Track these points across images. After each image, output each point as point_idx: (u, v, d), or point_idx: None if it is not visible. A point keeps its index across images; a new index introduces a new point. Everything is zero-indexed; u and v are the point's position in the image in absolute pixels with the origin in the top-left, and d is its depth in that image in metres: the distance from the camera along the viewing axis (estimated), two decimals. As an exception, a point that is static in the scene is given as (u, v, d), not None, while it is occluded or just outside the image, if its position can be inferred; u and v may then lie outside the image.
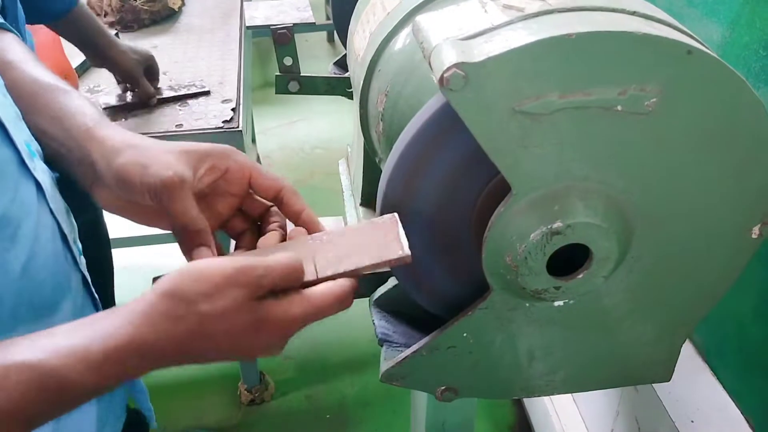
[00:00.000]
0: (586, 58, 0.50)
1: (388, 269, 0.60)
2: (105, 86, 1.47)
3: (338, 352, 1.94)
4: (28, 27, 1.20)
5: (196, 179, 0.58)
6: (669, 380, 0.72)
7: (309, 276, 0.54)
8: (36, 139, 0.61)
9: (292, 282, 0.52)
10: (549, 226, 0.56)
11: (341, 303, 0.53)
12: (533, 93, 0.51)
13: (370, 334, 0.73)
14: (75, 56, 1.49)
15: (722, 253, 0.63)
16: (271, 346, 0.52)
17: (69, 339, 0.47)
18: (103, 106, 1.36)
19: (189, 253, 0.58)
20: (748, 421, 0.88)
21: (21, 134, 0.58)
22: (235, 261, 0.50)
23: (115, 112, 1.37)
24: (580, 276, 0.59)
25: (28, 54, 0.67)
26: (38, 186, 0.58)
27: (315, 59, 3.58)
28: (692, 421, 0.91)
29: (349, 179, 1.02)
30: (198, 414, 1.78)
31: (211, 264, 0.50)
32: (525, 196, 0.56)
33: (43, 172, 0.60)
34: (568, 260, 0.59)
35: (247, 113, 1.47)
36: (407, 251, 0.55)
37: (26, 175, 0.57)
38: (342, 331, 1.98)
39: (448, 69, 0.49)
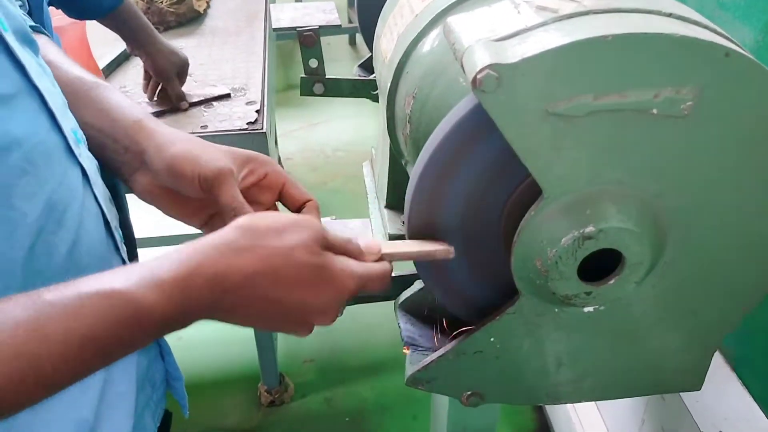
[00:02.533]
0: (621, 60, 0.49)
1: (428, 262, 0.63)
2: (131, 87, 1.49)
3: (358, 356, 1.93)
4: (56, 27, 1.22)
5: (239, 178, 0.62)
6: (699, 389, 0.71)
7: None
8: (104, 142, 0.64)
9: (351, 250, 0.55)
10: (581, 231, 0.55)
11: (385, 280, 0.56)
12: (567, 95, 0.50)
13: (390, 338, 0.73)
14: (102, 57, 1.51)
15: (756, 262, 0.61)
16: (325, 306, 0.52)
17: (140, 269, 0.48)
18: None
19: None
20: (778, 433, 0.86)
21: (68, 122, 0.60)
22: None
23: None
24: (612, 281, 0.58)
25: (64, 55, 0.71)
26: (83, 172, 0.60)
27: (337, 62, 3.60)
28: (720, 431, 0.90)
29: (374, 181, 1.02)
30: (218, 415, 1.79)
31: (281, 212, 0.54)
32: (556, 199, 0.55)
33: (88, 159, 0.62)
34: (599, 266, 0.59)
35: (271, 115, 1.47)
36: (451, 246, 0.60)
37: (73, 161, 0.58)
38: (362, 335, 1.98)
39: (481, 70, 0.48)
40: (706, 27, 0.54)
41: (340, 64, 3.58)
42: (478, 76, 0.48)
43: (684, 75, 0.50)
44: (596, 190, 0.55)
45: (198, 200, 0.62)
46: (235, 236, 0.50)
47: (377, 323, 1.93)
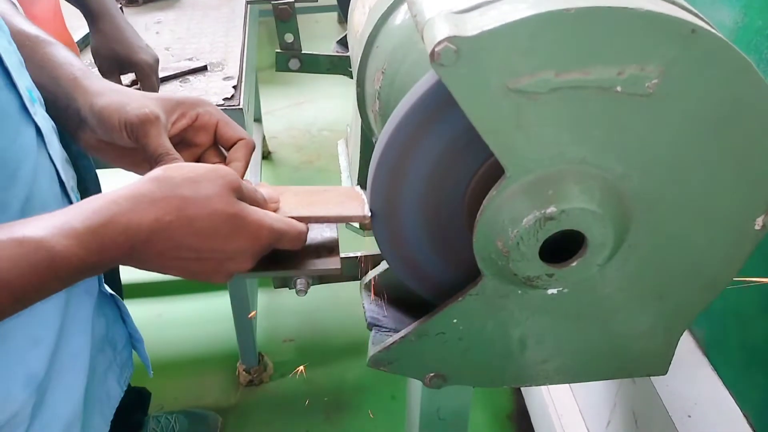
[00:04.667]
0: (584, 34, 0.48)
1: (391, 242, 0.63)
2: (107, 61, 1.45)
3: (338, 335, 1.93)
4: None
5: (169, 124, 0.62)
6: (665, 373, 0.70)
7: (279, 213, 0.59)
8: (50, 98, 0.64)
9: (257, 199, 0.57)
10: (542, 211, 0.53)
11: (299, 239, 0.58)
12: (528, 70, 0.49)
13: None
14: (77, 30, 1.48)
15: (723, 244, 0.60)
16: (241, 251, 0.54)
17: (56, 218, 0.48)
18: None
19: None
20: (746, 417, 0.86)
21: (23, 80, 0.59)
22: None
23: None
24: (574, 263, 0.57)
25: (12, 8, 0.70)
26: (38, 131, 0.60)
27: (324, 39, 3.54)
28: (689, 416, 0.90)
29: (348, 160, 1.00)
30: (196, 394, 1.78)
31: (198, 162, 0.57)
32: (519, 179, 0.54)
33: (43, 119, 0.61)
34: (563, 247, 0.57)
35: (249, 91, 1.45)
36: (368, 212, 0.60)
37: (27, 119, 0.58)
38: (342, 314, 1.97)
39: (440, 43, 0.46)
40: (674, 3, 0.52)
41: (329, 41, 3.52)
42: (436, 49, 0.47)
43: (649, 52, 0.49)
44: (559, 170, 0.54)
45: (138, 150, 0.62)
46: (149, 187, 0.51)
47: (357, 302, 1.91)
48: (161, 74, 1.38)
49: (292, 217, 0.59)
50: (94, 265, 0.49)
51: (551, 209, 0.53)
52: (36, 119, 0.59)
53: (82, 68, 0.64)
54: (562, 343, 0.66)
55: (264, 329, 1.91)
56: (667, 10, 0.49)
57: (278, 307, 1.99)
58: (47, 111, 0.64)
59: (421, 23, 0.51)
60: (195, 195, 0.51)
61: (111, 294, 0.71)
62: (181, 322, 1.92)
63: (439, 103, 0.55)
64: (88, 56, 1.47)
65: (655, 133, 0.53)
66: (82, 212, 0.49)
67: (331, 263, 0.61)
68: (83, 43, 1.50)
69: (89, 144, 0.64)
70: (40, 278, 0.46)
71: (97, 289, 0.68)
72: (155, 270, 0.53)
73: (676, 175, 0.55)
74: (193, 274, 0.54)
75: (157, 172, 0.52)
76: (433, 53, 0.47)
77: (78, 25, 1.52)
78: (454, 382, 0.67)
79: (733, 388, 0.89)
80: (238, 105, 1.30)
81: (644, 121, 0.52)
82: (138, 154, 0.62)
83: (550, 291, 0.61)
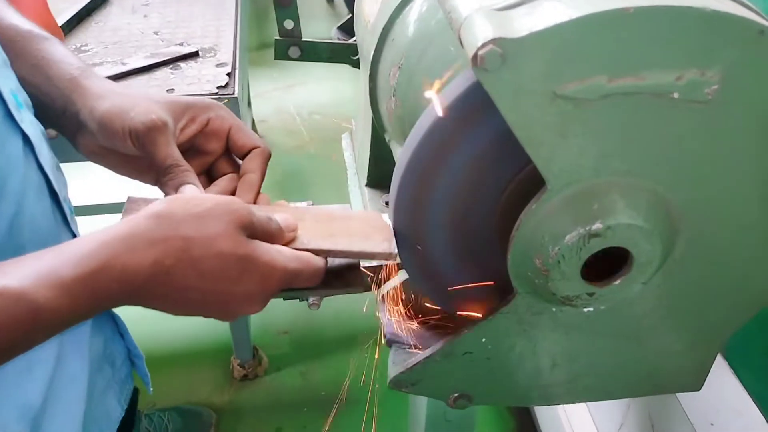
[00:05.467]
0: (643, 36, 0.43)
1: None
2: (93, 46, 1.39)
3: (334, 327, 1.88)
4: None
5: (177, 130, 0.57)
6: (699, 389, 0.67)
7: (297, 243, 0.54)
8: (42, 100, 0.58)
9: (272, 232, 0.51)
10: (587, 228, 0.49)
11: (316, 276, 0.53)
12: (579, 75, 0.44)
13: (367, 311, 0.69)
14: (61, 12, 1.41)
15: (772, 258, 0.56)
16: (250, 295, 0.49)
17: (40, 262, 0.43)
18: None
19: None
20: (770, 425, 0.83)
21: (8, 83, 0.54)
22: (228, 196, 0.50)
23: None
24: (617, 282, 0.52)
25: (4, 2, 0.63)
26: (26, 139, 0.54)
27: (314, 19, 3.46)
28: (712, 424, 0.87)
29: (353, 156, 0.95)
30: (190, 389, 1.73)
31: (204, 193, 0.51)
32: (560, 192, 0.49)
33: (31, 125, 0.56)
34: (598, 262, 0.53)
35: (243, 78, 1.39)
36: (395, 249, 0.55)
37: (13, 127, 0.53)
38: (337, 305, 1.92)
39: (484, 45, 0.41)
40: (737, 1, 0.47)
41: (318, 22, 3.44)
42: (480, 53, 0.41)
43: (712, 55, 0.44)
44: (604, 182, 0.49)
45: (144, 159, 0.57)
46: (148, 225, 0.45)
47: (353, 294, 1.88)
48: (150, 61, 1.32)
49: (310, 250, 0.54)
50: (86, 313, 0.44)
51: (597, 225, 0.49)
52: (23, 126, 0.53)
53: (81, 66, 0.59)
54: (594, 361, 0.62)
55: (258, 321, 1.86)
56: (732, 9, 0.44)
57: (272, 298, 1.95)
58: (40, 114, 0.58)
59: (457, 21, 0.45)
60: (199, 235, 0.46)
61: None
62: (172, 316, 1.86)
63: (472, 110, 0.50)
64: (72, 42, 1.40)
65: (711, 141, 0.48)
66: (71, 257, 0.43)
67: (355, 283, 0.57)
68: (67, 28, 1.43)
69: (89, 150, 0.58)
70: (24, 331, 0.42)
71: None
72: (160, 310, 0.48)
73: (729, 187, 0.51)
74: (199, 314, 0.50)
75: (157, 206, 0.47)
76: (476, 57, 0.42)
77: (63, 8, 1.45)
78: (479, 402, 0.63)
79: (755, 395, 0.86)
80: (233, 94, 1.24)
81: (700, 130, 0.47)
82: (143, 162, 0.57)
83: (587, 309, 0.57)
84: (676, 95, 0.45)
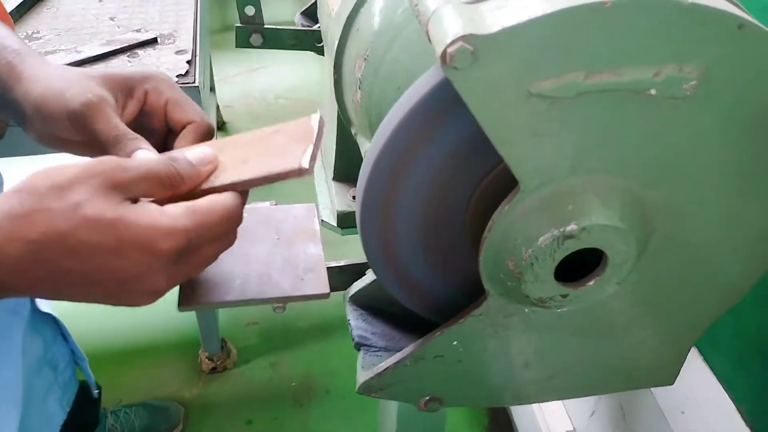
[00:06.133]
0: (619, 31, 0.41)
1: (380, 252, 0.53)
2: (45, 33, 1.32)
3: (304, 318, 1.86)
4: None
5: (119, 108, 0.52)
6: (672, 384, 0.66)
7: (206, 182, 0.47)
8: None
9: (162, 187, 0.44)
10: (561, 229, 0.47)
11: (232, 219, 0.45)
12: (554, 73, 0.42)
13: (337, 300, 0.66)
14: (7, -2, 1.34)
15: (747, 255, 0.55)
16: (140, 265, 0.42)
17: None
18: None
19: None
20: (740, 412, 0.84)
21: None
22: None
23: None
24: (591, 283, 0.51)
25: None
26: None
27: (280, 3, 3.38)
28: (683, 412, 0.87)
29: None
30: (157, 384, 1.69)
31: (71, 163, 0.42)
32: (534, 192, 0.47)
33: None
34: (570, 261, 0.52)
35: (204, 65, 1.34)
36: (305, 164, 0.46)
37: None
38: (307, 295, 1.91)
39: (453, 42, 0.39)
40: (717, -7, 0.46)
41: (279, 5, 3.36)
42: (449, 50, 0.39)
43: (690, 50, 0.42)
44: (579, 182, 0.47)
45: (92, 140, 0.52)
46: (9, 204, 0.40)
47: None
48: (106, 48, 1.26)
49: (216, 188, 0.46)
50: None
51: (572, 227, 0.47)
52: None
53: (17, 49, 0.54)
54: (567, 359, 0.61)
55: (226, 313, 1.83)
56: (712, 2, 0.42)
57: (240, 288, 1.91)
58: None
59: (424, 15, 0.43)
60: (62, 205, 0.40)
61: (47, 312, 0.62)
62: (137, 308, 1.82)
63: (441, 108, 0.47)
64: (23, 29, 1.34)
65: (689, 138, 0.47)
66: None
67: (318, 287, 0.54)
68: (17, 14, 1.36)
69: (40, 138, 0.54)
70: None
71: (28, 308, 0.60)
72: (48, 298, 0.43)
73: (707, 183, 0.50)
74: (105, 301, 0.44)
75: (18, 184, 0.41)
76: (445, 55, 0.39)
77: (10, -9, 1.38)
78: (450, 404, 0.62)
79: (726, 383, 0.86)
80: (194, 83, 1.20)
81: (678, 127, 0.46)
82: (93, 145, 0.52)
83: (561, 310, 0.55)
84: (653, 92, 0.44)
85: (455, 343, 0.57)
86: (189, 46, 1.29)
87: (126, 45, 1.27)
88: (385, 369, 0.58)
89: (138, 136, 0.51)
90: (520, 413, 1.33)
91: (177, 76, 1.20)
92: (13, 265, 0.39)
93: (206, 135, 0.53)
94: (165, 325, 1.83)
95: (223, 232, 0.45)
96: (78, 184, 0.41)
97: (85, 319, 1.76)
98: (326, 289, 0.53)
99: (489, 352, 0.58)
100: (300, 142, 0.48)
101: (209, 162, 0.47)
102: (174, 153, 0.46)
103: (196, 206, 0.44)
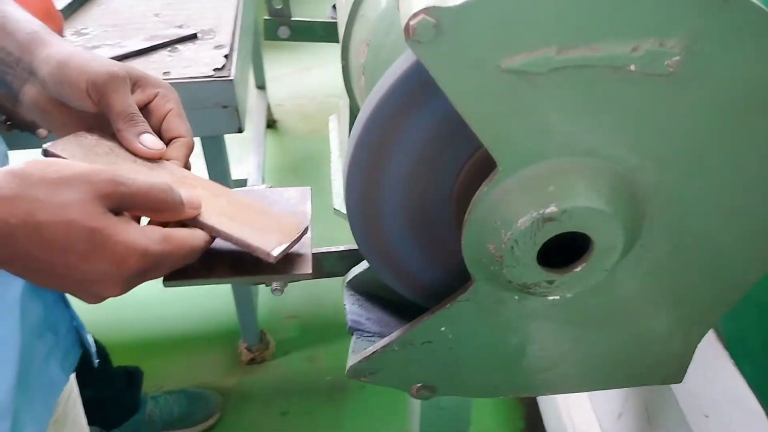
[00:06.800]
0: (591, 3, 0.39)
1: (369, 236, 0.55)
2: (93, 29, 1.38)
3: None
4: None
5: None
6: (680, 381, 0.63)
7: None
8: None
9: (150, 210, 0.48)
10: (541, 211, 0.46)
11: (188, 256, 0.49)
12: (525, 47, 0.41)
13: None
14: (60, -4, 1.40)
15: (751, 241, 0.52)
16: (103, 275, 0.45)
17: None
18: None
19: (132, 144, 0.55)
20: (769, 418, 0.79)
21: None
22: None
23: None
24: (578, 269, 0.49)
25: None
26: None
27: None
28: (707, 416, 0.83)
29: (339, 137, 0.92)
30: (197, 372, 1.74)
31: (74, 162, 0.46)
32: (513, 173, 0.46)
33: None
34: (565, 245, 0.50)
35: (243, 60, 1.37)
36: (274, 254, 0.51)
37: None
38: (347, 290, 1.92)
39: (415, 15, 0.38)
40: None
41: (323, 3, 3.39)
42: (411, 23, 0.39)
43: (670, 24, 0.40)
44: (561, 162, 0.46)
45: (91, 116, 0.56)
46: (2, 182, 0.43)
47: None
48: (148, 44, 1.31)
49: (199, 223, 0.51)
50: None
51: (551, 209, 0.46)
52: None
53: (43, 26, 0.58)
54: (566, 350, 0.59)
55: (266, 305, 1.86)
56: (693, -29, 0.40)
57: (281, 282, 1.94)
58: None
59: (398, -10, 0.42)
60: (49, 200, 0.42)
61: None
62: (180, 298, 1.87)
63: (421, 86, 0.47)
64: (72, 25, 1.40)
65: (676, 118, 0.45)
66: None
67: (301, 267, 0.54)
68: (69, 11, 1.42)
69: (33, 100, 0.57)
70: None
71: None
72: (14, 274, 0.45)
73: (698, 166, 0.47)
74: (57, 288, 0.47)
75: (17, 165, 0.44)
76: (407, 28, 0.39)
77: (63, -9, 1.44)
78: (444, 393, 0.61)
79: (755, 386, 0.82)
80: (229, 76, 1.22)
81: (663, 105, 0.44)
82: (88, 122, 0.56)
83: (551, 298, 0.54)
84: (633, 67, 0.42)
85: (443, 329, 0.56)
86: (227, 40, 1.32)
87: (167, 40, 1.31)
88: (372, 353, 0.57)
89: (145, 122, 0.55)
90: (548, 414, 1.30)
91: (213, 70, 1.23)
92: None
93: (191, 150, 0.58)
94: (207, 315, 1.88)
95: (184, 261, 0.49)
96: (71, 185, 0.44)
97: (132, 308, 1.83)
98: (309, 270, 0.53)
99: (480, 339, 0.57)
100: (283, 234, 0.53)
101: (195, 208, 0.51)
102: (172, 186, 0.49)
103: (172, 236, 0.47)
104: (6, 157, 0.62)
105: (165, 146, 0.56)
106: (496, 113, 0.43)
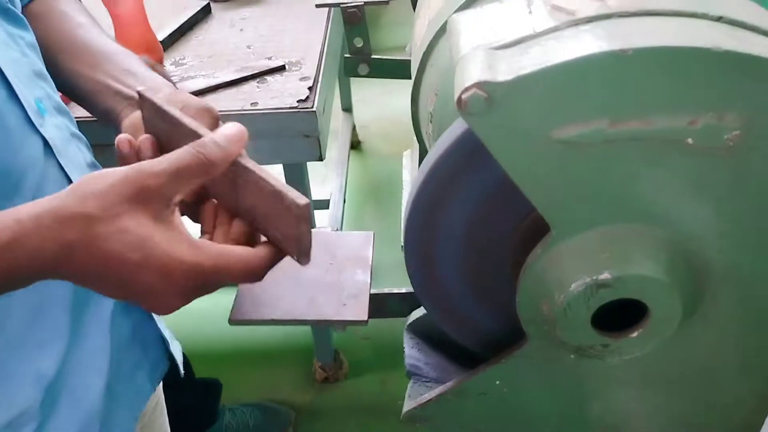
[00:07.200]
0: (645, 79, 0.39)
1: (427, 285, 0.55)
2: (189, 60, 1.47)
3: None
4: None
5: None
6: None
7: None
8: (96, 88, 0.64)
9: (195, 178, 0.46)
10: (594, 277, 0.46)
11: (253, 277, 0.47)
12: (577, 119, 0.41)
13: None
14: (160, 29, 1.50)
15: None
16: (155, 289, 0.44)
17: None
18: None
19: None
20: None
21: (32, 91, 0.59)
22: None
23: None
24: (635, 334, 0.49)
25: (91, 17, 0.73)
26: (46, 142, 0.59)
27: (395, 26, 3.42)
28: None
29: (411, 175, 0.94)
30: (273, 387, 1.79)
31: (112, 169, 0.45)
32: (566, 237, 0.46)
33: (55, 128, 0.61)
34: (627, 305, 0.50)
35: (327, 91, 1.41)
36: (301, 204, 0.44)
37: (32, 131, 0.58)
38: (422, 315, 1.93)
39: (467, 89, 0.40)
40: (756, 30, 0.42)
41: (400, 28, 3.41)
42: (463, 97, 0.40)
43: (728, 98, 0.40)
44: (617, 229, 0.46)
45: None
46: (61, 202, 0.44)
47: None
48: (239, 75, 1.38)
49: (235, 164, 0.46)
50: (3, 287, 0.44)
51: (605, 275, 0.46)
52: (42, 131, 0.58)
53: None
54: (623, 410, 0.58)
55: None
56: (756, 45, 0.40)
57: (358, 303, 1.97)
58: (94, 100, 0.64)
59: (455, 59, 0.44)
60: (101, 213, 0.43)
61: None
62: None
63: (474, 150, 0.48)
64: (171, 56, 1.50)
65: (737, 191, 0.44)
66: None
67: (357, 314, 0.56)
68: (169, 42, 1.52)
69: (131, 128, 0.61)
70: None
71: None
72: (85, 287, 0.47)
73: (761, 237, 0.46)
74: (124, 299, 0.48)
75: (74, 183, 0.45)
76: (460, 100, 0.40)
77: (166, 22, 1.54)
78: (498, 444, 0.61)
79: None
80: (312, 107, 1.27)
81: (723, 177, 0.43)
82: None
83: (609, 360, 0.53)
84: (690, 141, 0.42)
85: (498, 382, 0.56)
86: (313, 73, 1.37)
87: (257, 72, 1.38)
88: (428, 400, 0.58)
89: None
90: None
91: (297, 101, 1.28)
92: (54, 259, 0.44)
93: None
94: (284, 332, 1.93)
95: (244, 278, 0.47)
96: (115, 193, 0.44)
97: (211, 320, 1.91)
98: (365, 317, 0.55)
99: (535, 394, 0.57)
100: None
101: (240, 139, 0.47)
102: (201, 140, 0.47)
103: (228, 254, 0.46)
104: (94, 166, 0.67)
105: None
106: (548, 180, 0.44)
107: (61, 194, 0.45)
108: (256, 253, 0.47)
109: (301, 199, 0.43)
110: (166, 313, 0.47)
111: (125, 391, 0.70)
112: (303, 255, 0.45)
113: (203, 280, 0.46)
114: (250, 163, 0.46)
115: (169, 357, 0.78)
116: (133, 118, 0.61)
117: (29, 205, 0.45)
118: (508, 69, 0.40)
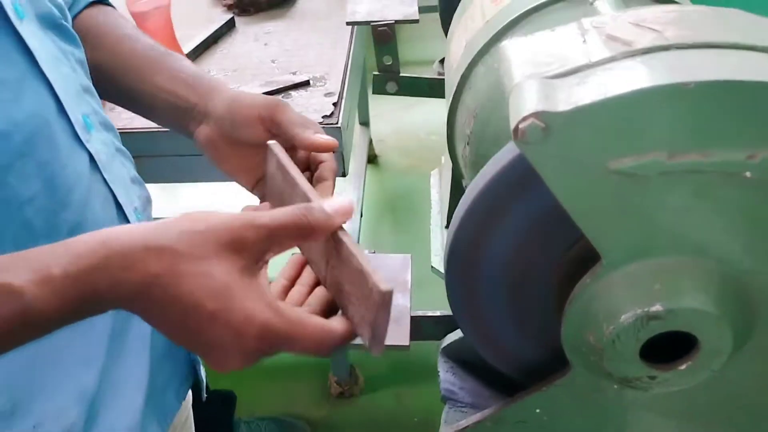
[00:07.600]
0: (705, 112, 0.39)
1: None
2: (214, 73, 1.47)
3: (432, 354, 1.87)
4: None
5: None
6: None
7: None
8: (150, 95, 0.66)
9: (292, 239, 0.45)
10: (645, 309, 0.45)
11: (324, 350, 0.45)
12: (634, 151, 0.41)
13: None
14: (186, 40, 1.51)
15: None
16: (222, 344, 0.43)
17: (41, 255, 0.41)
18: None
19: (310, 138, 0.58)
20: None
21: (80, 107, 0.60)
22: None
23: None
24: (683, 367, 0.48)
25: (135, 27, 0.74)
26: (92, 157, 0.60)
27: (424, 41, 3.43)
28: None
29: (439, 194, 0.94)
30: (288, 401, 1.79)
31: (215, 212, 0.44)
32: (617, 268, 0.46)
33: (101, 144, 0.62)
34: (673, 337, 0.49)
35: (350, 107, 1.41)
36: (383, 290, 0.42)
37: (79, 147, 0.59)
38: (439, 331, 1.92)
39: (525, 119, 0.40)
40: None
41: (429, 43, 3.42)
42: (521, 126, 0.40)
43: (791, 133, 0.39)
44: (668, 261, 0.45)
45: (254, 153, 0.60)
46: (152, 233, 0.43)
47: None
48: (264, 89, 1.38)
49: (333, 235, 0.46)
50: (73, 313, 0.42)
51: (656, 307, 0.45)
52: (89, 146, 0.59)
53: (213, 77, 0.68)
54: (665, 442, 0.57)
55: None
56: (817, 80, 0.39)
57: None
58: (172, 113, 0.66)
59: (508, 86, 0.44)
60: (190, 248, 0.42)
61: None
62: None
63: (523, 178, 0.48)
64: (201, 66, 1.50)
65: (795, 225, 0.43)
66: (66, 252, 0.41)
67: (398, 339, 0.56)
68: (194, 55, 1.53)
69: (206, 137, 0.63)
70: (13, 327, 0.40)
71: None
72: (150, 324, 0.45)
73: (819, 273, 0.45)
74: (187, 347, 0.45)
75: (175, 217, 0.44)
76: (516, 130, 0.40)
77: (191, 34, 1.55)
78: (535, 472, 0.60)
79: None
80: (337, 123, 1.27)
81: (781, 211, 0.43)
82: (248, 159, 0.61)
83: (655, 392, 0.52)
84: (748, 174, 0.41)
85: (538, 410, 0.56)
86: (337, 88, 1.37)
87: (281, 86, 1.38)
88: (465, 427, 0.58)
89: (317, 124, 0.61)
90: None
91: (322, 117, 1.29)
92: (133, 290, 0.42)
93: (335, 174, 0.61)
94: (301, 346, 1.93)
95: (315, 351, 0.46)
96: (211, 236, 0.43)
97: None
98: (406, 342, 0.55)
99: (575, 424, 0.56)
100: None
101: (345, 213, 0.47)
102: (309, 204, 0.46)
103: (305, 323, 0.44)
104: (149, 202, 0.68)
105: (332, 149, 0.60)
106: (602, 211, 0.43)
107: (155, 225, 0.44)
108: (332, 328, 0.45)
109: (384, 285, 0.42)
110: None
111: (157, 407, 0.70)
112: (376, 344, 0.44)
113: (272, 344, 0.44)
114: (346, 237, 0.46)
115: (194, 375, 0.78)
116: (207, 133, 0.63)
117: (116, 230, 0.43)
118: (566, 99, 0.40)
